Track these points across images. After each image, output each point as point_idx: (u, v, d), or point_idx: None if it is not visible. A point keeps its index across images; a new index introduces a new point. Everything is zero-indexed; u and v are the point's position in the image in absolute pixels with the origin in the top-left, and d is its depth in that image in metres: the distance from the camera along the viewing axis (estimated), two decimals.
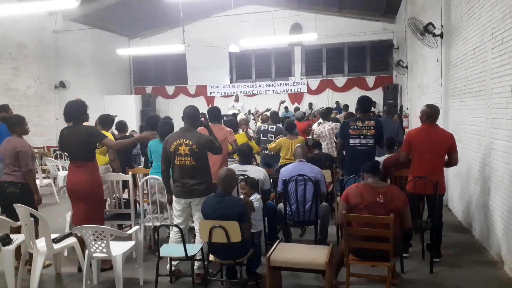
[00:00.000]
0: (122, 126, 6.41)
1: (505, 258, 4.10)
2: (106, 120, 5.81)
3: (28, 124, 4.62)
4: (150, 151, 4.99)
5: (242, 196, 4.12)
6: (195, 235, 4.17)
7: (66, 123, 4.40)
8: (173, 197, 4.12)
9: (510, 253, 3.99)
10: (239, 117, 9.26)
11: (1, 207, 4.53)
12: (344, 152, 5.08)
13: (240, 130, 7.08)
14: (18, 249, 4.16)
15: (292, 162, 5.89)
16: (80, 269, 4.23)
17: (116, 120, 6.29)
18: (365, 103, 5.05)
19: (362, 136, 4.85)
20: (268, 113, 8.21)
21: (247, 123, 7.24)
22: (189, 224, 4.40)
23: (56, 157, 9.49)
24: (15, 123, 4.49)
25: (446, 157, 4.42)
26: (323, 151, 7.04)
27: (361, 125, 4.86)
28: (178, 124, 4.28)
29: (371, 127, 4.83)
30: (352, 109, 12.35)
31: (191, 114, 4.11)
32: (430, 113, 4.44)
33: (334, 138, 7.12)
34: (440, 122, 6.55)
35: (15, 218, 4.02)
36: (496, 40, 4.27)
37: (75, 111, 4.21)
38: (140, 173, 5.36)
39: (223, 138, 4.98)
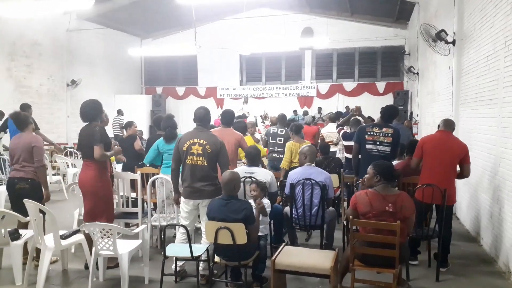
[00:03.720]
0: (128, 124, 6.48)
1: None
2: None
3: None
4: (158, 150, 5.09)
5: (251, 200, 4.11)
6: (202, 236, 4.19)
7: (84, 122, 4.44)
8: (182, 198, 4.13)
9: None
10: (248, 120, 9.28)
11: (10, 203, 4.59)
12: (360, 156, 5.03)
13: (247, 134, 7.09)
14: (25, 244, 4.22)
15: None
16: (86, 266, 4.27)
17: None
18: (387, 112, 4.99)
19: (378, 143, 4.78)
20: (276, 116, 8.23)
21: (253, 126, 7.24)
22: (195, 224, 4.42)
23: (66, 154, 9.60)
24: (28, 118, 4.59)
25: (458, 168, 4.39)
26: (338, 155, 7.07)
27: (377, 131, 4.80)
28: (185, 124, 4.30)
29: (389, 135, 4.76)
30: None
31: (202, 116, 4.12)
32: (445, 123, 4.50)
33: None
34: None
35: (23, 214, 4.07)
36: (509, 48, 4.23)
37: (89, 111, 4.24)
38: (149, 172, 5.39)
39: (234, 142, 4.98)
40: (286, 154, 6.13)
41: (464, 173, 4.42)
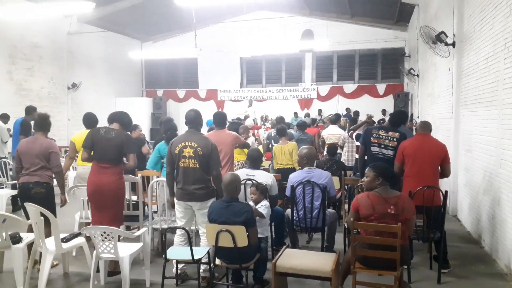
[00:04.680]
0: (133, 128, 6.47)
1: None
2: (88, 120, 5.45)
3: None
4: (160, 154, 5.09)
5: (252, 203, 4.12)
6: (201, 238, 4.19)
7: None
8: (175, 199, 4.16)
9: None
10: (247, 122, 9.29)
11: (22, 207, 4.58)
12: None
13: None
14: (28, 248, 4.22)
15: (287, 167, 5.94)
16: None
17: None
18: (395, 117, 5.00)
19: (383, 146, 4.78)
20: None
21: (246, 131, 7.14)
22: (196, 227, 4.42)
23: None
24: (46, 122, 4.68)
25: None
26: (343, 157, 7.08)
27: (383, 134, 4.79)
28: (186, 127, 4.31)
29: (394, 139, 4.75)
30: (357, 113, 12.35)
31: (192, 118, 4.15)
32: (421, 125, 4.61)
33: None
34: (450, 132, 6.57)
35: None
36: (509, 50, 4.24)
37: (128, 120, 4.54)
38: (150, 175, 5.40)
39: (231, 143, 4.99)
40: (274, 157, 6.24)
41: (445, 173, 4.48)
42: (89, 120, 5.42)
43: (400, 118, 5.05)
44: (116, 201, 4.28)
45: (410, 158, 4.42)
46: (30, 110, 7.69)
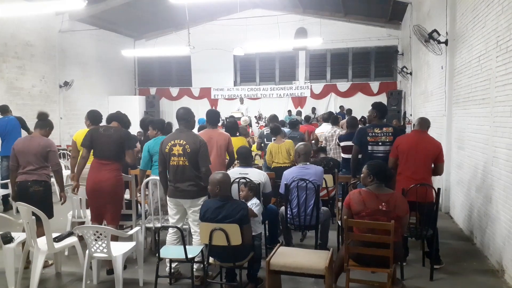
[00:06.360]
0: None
1: (505, 267, 4.09)
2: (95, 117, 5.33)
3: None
4: (149, 152, 4.99)
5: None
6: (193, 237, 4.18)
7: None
8: (167, 196, 4.15)
9: (511, 262, 3.97)
10: (242, 120, 9.28)
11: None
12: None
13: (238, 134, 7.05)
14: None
15: (285, 165, 5.92)
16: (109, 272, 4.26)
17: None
18: (381, 109, 5.01)
19: (380, 143, 4.77)
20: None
21: (245, 131, 7.16)
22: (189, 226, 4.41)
23: (60, 156, 9.52)
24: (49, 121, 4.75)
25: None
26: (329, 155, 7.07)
27: (379, 131, 4.78)
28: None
29: (390, 134, 4.76)
30: (355, 113, 12.40)
31: (180, 116, 4.16)
32: (419, 122, 4.62)
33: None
34: (443, 129, 6.61)
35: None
36: (501, 48, 4.27)
37: (126, 118, 4.94)
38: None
39: (224, 143, 4.96)
40: (266, 155, 6.19)
41: (437, 171, 4.50)
42: (96, 116, 5.29)
43: (384, 109, 5.08)
44: (115, 197, 4.35)
45: (404, 155, 4.44)
46: (7, 108, 7.65)
